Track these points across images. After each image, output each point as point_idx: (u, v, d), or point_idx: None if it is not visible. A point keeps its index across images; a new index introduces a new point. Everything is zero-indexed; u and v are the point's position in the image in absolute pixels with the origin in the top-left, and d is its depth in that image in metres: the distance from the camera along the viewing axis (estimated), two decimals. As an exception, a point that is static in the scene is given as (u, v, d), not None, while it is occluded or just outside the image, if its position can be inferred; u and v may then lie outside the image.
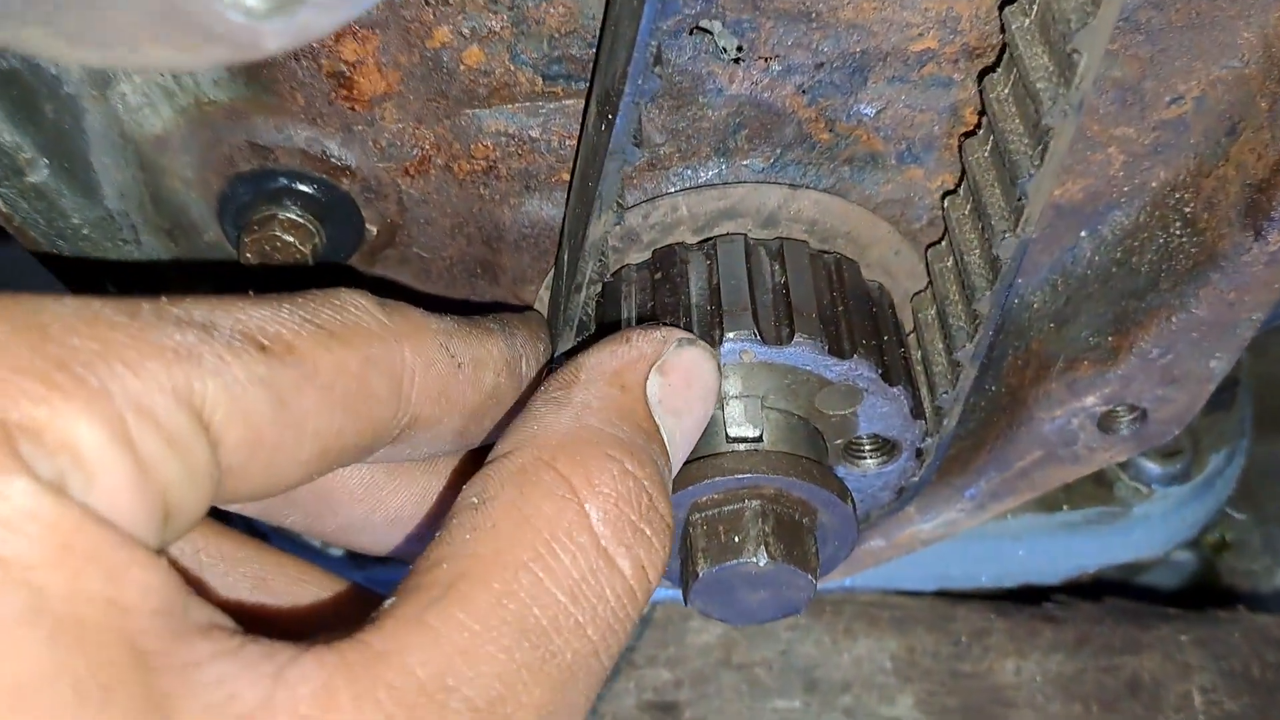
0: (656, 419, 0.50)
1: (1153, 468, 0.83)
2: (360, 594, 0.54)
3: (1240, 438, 0.90)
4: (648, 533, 0.46)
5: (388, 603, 0.41)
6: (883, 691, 0.85)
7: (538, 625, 0.42)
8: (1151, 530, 0.84)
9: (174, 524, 0.38)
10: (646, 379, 0.51)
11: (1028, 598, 0.87)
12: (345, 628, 0.40)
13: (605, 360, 0.51)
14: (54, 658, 0.32)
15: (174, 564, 0.37)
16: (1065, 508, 0.82)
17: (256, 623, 0.39)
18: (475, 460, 0.57)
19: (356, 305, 0.47)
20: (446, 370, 0.50)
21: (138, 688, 0.34)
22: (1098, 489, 0.83)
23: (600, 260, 0.55)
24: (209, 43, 0.30)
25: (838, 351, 0.58)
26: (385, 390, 0.46)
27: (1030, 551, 0.82)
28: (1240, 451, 0.91)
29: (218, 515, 0.52)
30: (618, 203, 0.51)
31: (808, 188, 0.62)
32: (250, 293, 0.44)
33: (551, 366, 0.60)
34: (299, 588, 0.52)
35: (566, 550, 0.44)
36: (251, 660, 0.36)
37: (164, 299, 0.40)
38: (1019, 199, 0.50)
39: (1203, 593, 1.17)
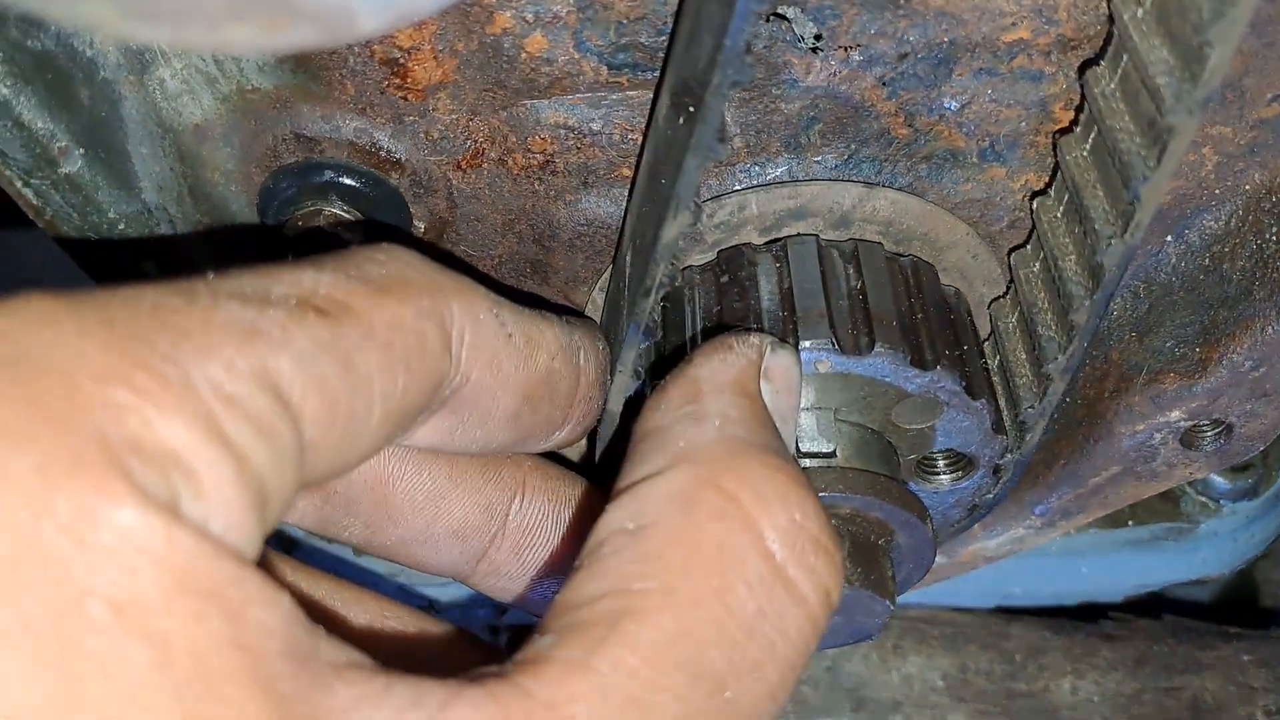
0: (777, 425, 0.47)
1: (1221, 482, 0.79)
2: (447, 632, 0.51)
3: (1311, 451, 0.87)
4: (829, 545, 0.42)
5: (544, 640, 0.38)
6: (934, 711, 0.82)
7: (713, 669, 0.38)
8: (1219, 547, 0.80)
9: (269, 514, 0.36)
10: (760, 386, 0.48)
11: (1084, 615, 0.84)
12: (468, 666, 0.36)
13: (720, 370, 0.48)
14: (184, 716, 0.29)
15: (298, 595, 0.33)
16: (1130, 523, 0.78)
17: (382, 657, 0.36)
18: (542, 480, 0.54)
19: (402, 260, 0.44)
20: (496, 335, 0.47)
21: None
22: (1164, 504, 0.80)
23: (672, 264, 0.52)
24: (297, 21, 0.26)
25: (920, 362, 0.54)
26: (439, 344, 0.43)
27: (1094, 568, 0.78)
28: (1311, 465, 0.87)
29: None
30: (695, 202, 0.47)
31: (883, 186, 0.58)
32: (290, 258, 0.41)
33: (613, 368, 0.56)
34: (381, 625, 0.49)
35: (744, 581, 0.40)
36: (400, 705, 0.33)
37: (212, 275, 0.37)
38: (1130, 202, 0.47)
39: (1240, 604, 1.13)
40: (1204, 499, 0.79)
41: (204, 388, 0.33)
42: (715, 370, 0.48)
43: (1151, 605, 0.88)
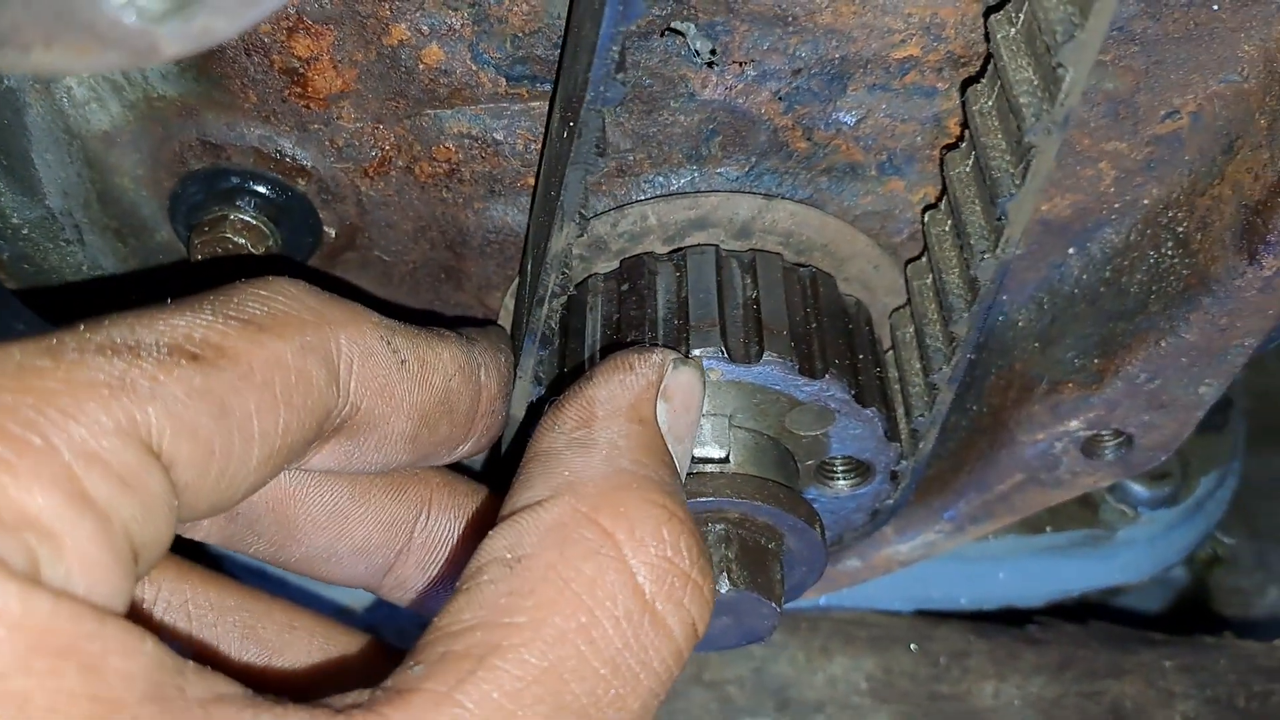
0: (666, 444, 0.48)
1: (1140, 490, 0.80)
2: (356, 642, 0.52)
3: (1232, 460, 0.88)
4: (699, 582, 0.43)
5: (415, 670, 0.39)
6: (857, 712, 0.83)
7: (576, 703, 0.39)
8: (1137, 555, 0.81)
9: (143, 561, 0.37)
10: (656, 410, 0.49)
11: (1010, 619, 0.85)
12: (355, 686, 0.37)
13: (618, 393, 0.49)
14: None
15: (163, 628, 0.34)
16: (1049, 530, 0.79)
17: (254, 682, 0.37)
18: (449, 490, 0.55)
19: (285, 294, 0.45)
20: (388, 363, 0.48)
21: None
22: (1083, 511, 0.81)
23: (564, 272, 0.53)
24: (103, 47, 0.27)
25: (809, 371, 0.55)
26: (323, 378, 0.44)
27: (1011, 574, 0.79)
28: (1232, 474, 0.88)
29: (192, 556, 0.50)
30: (580, 214, 0.49)
31: (783, 198, 0.59)
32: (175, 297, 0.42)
33: (517, 375, 0.57)
34: (290, 635, 0.51)
35: (610, 618, 0.41)
36: None
37: (81, 326, 0.38)
38: (999, 218, 0.48)
39: (1192, 609, 1.14)
40: (1122, 506, 0.80)
41: (65, 450, 0.34)
42: (612, 393, 0.49)
43: (1082, 610, 0.89)
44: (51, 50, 0.28)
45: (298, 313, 0.44)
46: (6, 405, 0.34)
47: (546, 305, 0.54)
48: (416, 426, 0.50)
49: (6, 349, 0.36)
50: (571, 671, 0.40)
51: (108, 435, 0.35)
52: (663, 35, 0.53)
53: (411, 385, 0.49)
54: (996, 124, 0.48)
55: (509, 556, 0.42)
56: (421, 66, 0.54)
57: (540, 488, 0.45)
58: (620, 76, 0.45)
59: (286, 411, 0.42)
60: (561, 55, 0.52)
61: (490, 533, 0.44)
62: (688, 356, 0.54)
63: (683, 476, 0.50)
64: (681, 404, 0.50)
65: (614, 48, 0.44)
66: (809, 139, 0.58)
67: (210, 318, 0.41)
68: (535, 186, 0.58)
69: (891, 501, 0.64)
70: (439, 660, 0.39)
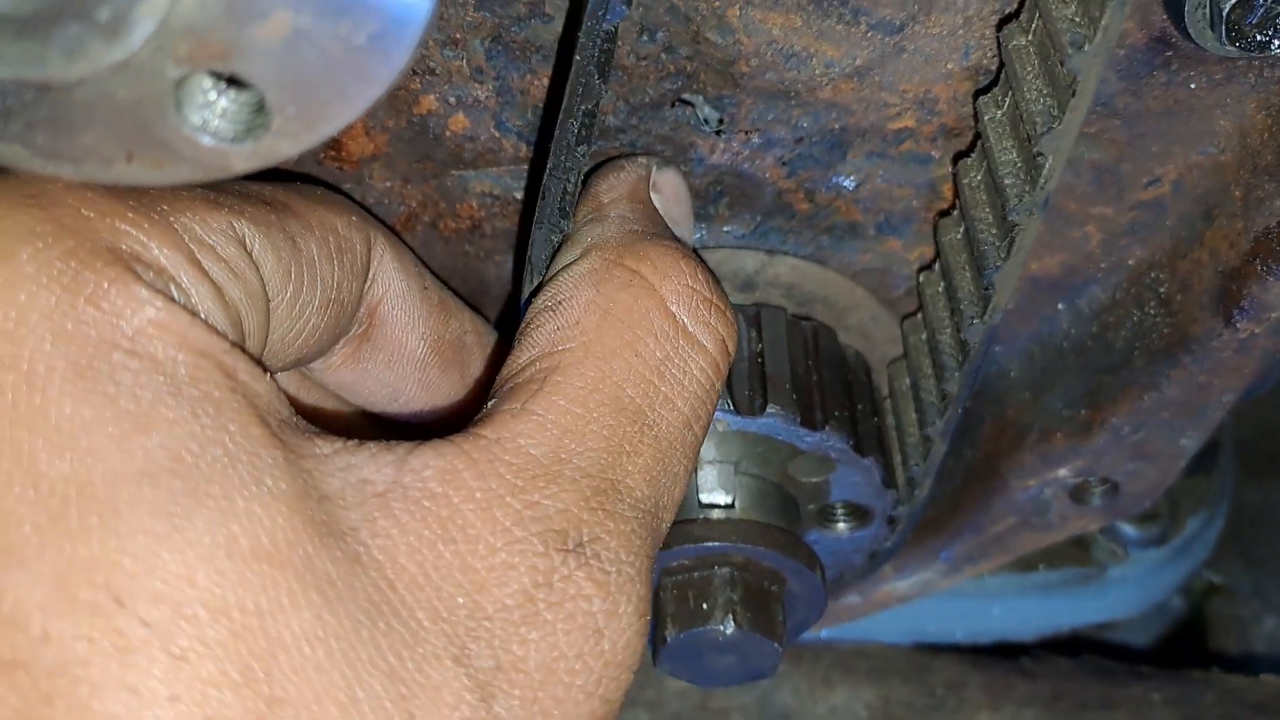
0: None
1: (1129, 530, 0.83)
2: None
3: (1220, 501, 0.91)
4: (721, 306, 0.49)
5: (489, 404, 0.45)
6: (857, 741, 0.86)
7: (633, 403, 0.45)
8: (1127, 592, 0.84)
9: (250, 341, 0.42)
10: (650, 196, 0.55)
11: (1005, 652, 0.88)
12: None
13: (616, 183, 0.55)
14: (201, 427, 0.35)
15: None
16: (1042, 567, 0.83)
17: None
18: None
19: (335, 196, 0.52)
20: (413, 282, 0.54)
21: (282, 459, 0.37)
22: (1074, 550, 0.84)
23: None
24: (179, 163, 0.31)
25: (810, 422, 0.59)
26: (363, 255, 0.50)
27: (1005, 610, 0.82)
28: (1220, 515, 0.91)
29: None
30: (548, 267, 0.53)
31: (785, 254, 0.63)
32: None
33: None
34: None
35: (650, 335, 0.47)
36: (373, 452, 0.39)
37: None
38: (986, 288, 0.51)
39: (1189, 638, 1.17)
40: (1113, 546, 0.83)
41: (184, 233, 0.40)
42: (611, 184, 0.55)
43: (1074, 645, 0.92)
44: (131, 165, 0.31)
45: (347, 208, 0.51)
46: (128, 194, 0.39)
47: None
48: (428, 354, 0.55)
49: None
50: (624, 378, 0.45)
51: (212, 232, 0.41)
52: (673, 106, 0.57)
53: (430, 311, 0.55)
54: (984, 198, 0.52)
55: (550, 304, 0.49)
56: (448, 133, 0.58)
57: (569, 254, 0.52)
58: (581, 150, 0.49)
59: (338, 267, 0.48)
60: (543, 127, 0.56)
61: (536, 296, 0.50)
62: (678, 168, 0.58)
63: None
64: (671, 195, 0.56)
65: (575, 123, 0.47)
66: (811, 200, 0.61)
67: (282, 188, 0.48)
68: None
69: (889, 544, 0.67)
70: (508, 391, 0.46)
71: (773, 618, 0.59)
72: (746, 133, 0.58)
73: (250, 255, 0.43)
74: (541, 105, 0.56)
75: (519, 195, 0.61)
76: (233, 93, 0.30)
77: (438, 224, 0.63)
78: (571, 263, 0.50)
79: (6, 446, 0.34)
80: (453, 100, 0.56)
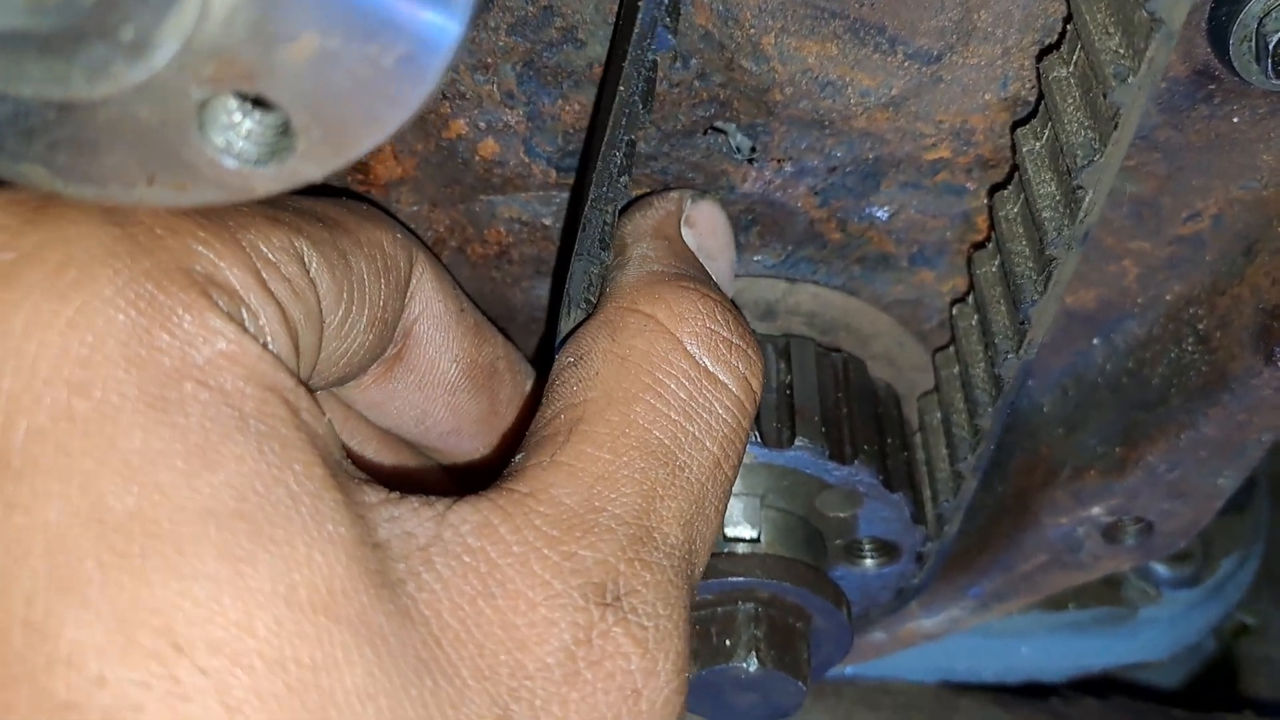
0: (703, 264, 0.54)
1: (1162, 570, 0.82)
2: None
3: (1255, 542, 0.89)
4: (741, 344, 0.49)
5: (517, 458, 0.45)
6: (880, 780, 0.84)
7: (661, 445, 0.45)
8: (1158, 634, 0.83)
9: (303, 363, 0.42)
10: (680, 231, 0.54)
11: (1034, 692, 0.86)
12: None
13: (642, 222, 0.55)
14: (267, 466, 0.35)
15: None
16: (1072, 606, 0.81)
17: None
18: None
19: (379, 213, 0.52)
20: (450, 303, 0.54)
21: (343, 503, 0.37)
22: (1105, 589, 0.82)
23: None
24: (202, 185, 0.30)
25: (839, 456, 0.57)
26: (405, 266, 0.51)
27: (1034, 649, 0.81)
28: (1255, 555, 0.89)
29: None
30: (587, 299, 0.52)
31: (806, 281, 0.62)
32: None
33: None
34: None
35: (670, 376, 0.47)
36: (414, 506, 0.39)
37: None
38: (1022, 322, 0.50)
39: (1220, 679, 1.14)
40: (1144, 586, 0.82)
41: (252, 251, 0.40)
42: (637, 223, 0.55)
43: (1104, 685, 0.90)
44: (153, 187, 0.31)
45: (392, 225, 0.51)
46: (200, 214, 0.39)
47: None
48: (459, 378, 0.55)
49: None
50: (650, 422, 0.45)
51: (276, 250, 0.41)
52: (706, 134, 0.56)
53: (464, 334, 0.55)
54: (1021, 231, 0.51)
55: (571, 360, 0.49)
56: (477, 158, 0.57)
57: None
58: (624, 180, 0.48)
59: (385, 286, 0.49)
60: (584, 151, 0.55)
61: (558, 355, 0.50)
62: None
63: (727, 292, 0.55)
64: (706, 227, 0.56)
65: (618, 154, 0.47)
66: (843, 230, 0.60)
67: (329, 203, 0.48)
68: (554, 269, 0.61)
69: (917, 581, 0.66)
70: (535, 444, 0.45)
71: (797, 656, 0.58)
72: (779, 161, 0.57)
73: (309, 274, 0.43)
74: (572, 131, 0.56)
75: (547, 221, 0.60)
76: (257, 114, 0.30)
77: (465, 249, 0.62)
78: (591, 315, 0.50)
79: (75, 477, 0.33)
80: (483, 125, 0.56)
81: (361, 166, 0.58)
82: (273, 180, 0.30)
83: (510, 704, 0.37)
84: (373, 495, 0.39)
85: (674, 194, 0.56)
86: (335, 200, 0.49)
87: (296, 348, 0.41)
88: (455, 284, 0.54)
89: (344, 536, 0.36)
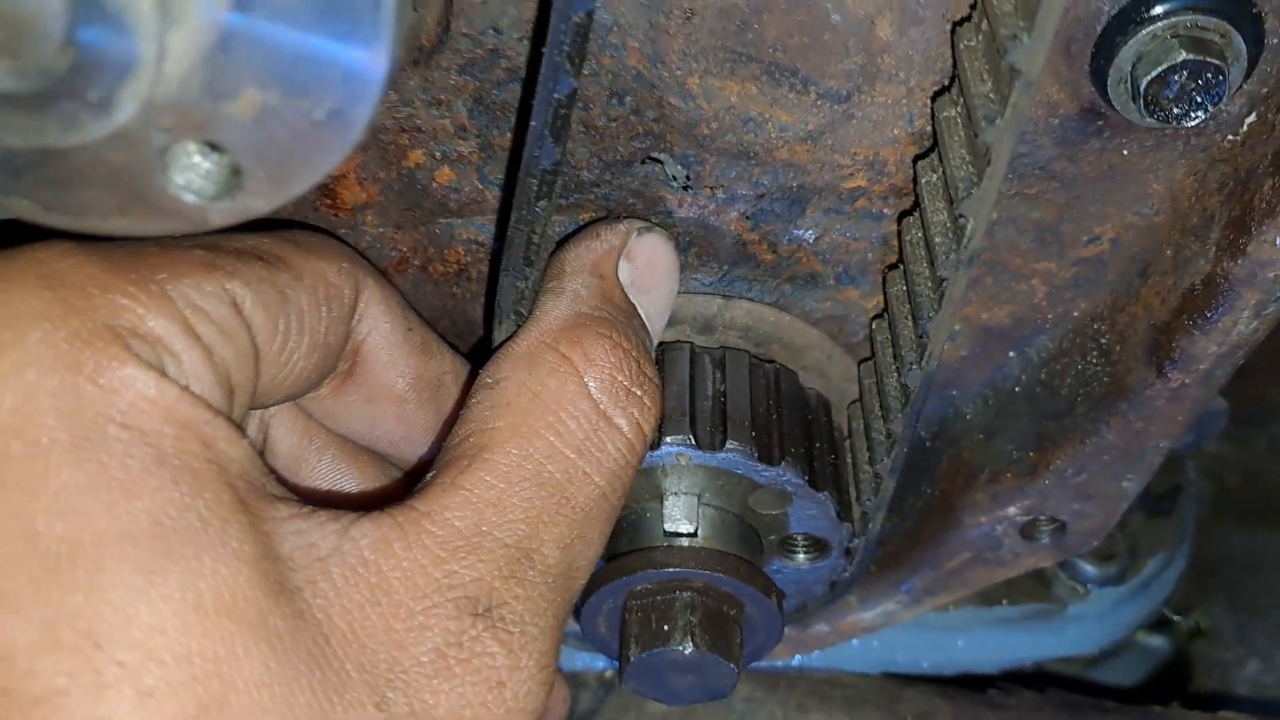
0: (632, 299, 0.59)
1: (1089, 569, 0.87)
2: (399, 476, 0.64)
3: (1180, 544, 0.94)
4: (638, 393, 0.55)
5: (428, 476, 0.51)
6: (828, 767, 0.89)
7: (552, 478, 0.51)
8: (1086, 628, 0.87)
9: (237, 400, 0.48)
10: (618, 266, 0.59)
11: (973, 684, 0.91)
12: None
13: (583, 253, 0.60)
14: (180, 494, 0.41)
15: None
16: (1005, 602, 0.86)
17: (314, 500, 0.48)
18: None
19: (331, 240, 0.57)
20: (398, 322, 0.59)
21: (247, 524, 0.42)
22: (1037, 586, 0.87)
23: None
24: (165, 218, 0.36)
25: (767, 458, 0.63)
26: (350, 294, 0.56)
27: (969, 643, 0.86)
28: (1180, 556, 0.94)
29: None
30: (517, 310, 0.57)
31: (741, 298, 0.67)
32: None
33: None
34: (347, 466, 0.63)
35: (571, 416, 0.52)
36: (322, 521, 0.45)
37: (181, 240, 0.48)
38: (921, 336, 0.55)
39: (1174, 680, 1.19)
40: (1073, 583, 0.87)
41: (178, 299, 0.45)
42: (579, 254, 0.60)
43: (1040, 679, 0.95)
44: (124, 218, 0.36)
45: (339, 251, 0.56)
46: (134, 266, 0.44)
47: None
48: (407, 390, 0.61)
49: (127, 242, 0.46)
50: (546, 456, 0.51)
51: (206, 296, 0.46)
52: (643, 163, 0.61)
53: (412, 351, 0.60)
54: (922, 254, 0.56)
55: (490, 382, 0.54)
56: (435, 184, 0.62)
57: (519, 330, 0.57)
58: (541, 205, 0.53)
59: (326, 314, 0.54)
60: (505, 181, 0.61)
61: (481, 369, 0.56)
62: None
63: (659, 322, 0.61)
64: (644, 261, 0.60)
65: (532, 180, 0.52)
66: (774, 251, 0.65)
67: (272, 239, 0.53)
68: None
69: (848, 575, 0.71)
70: (444, 464, 0.51)
71: (730, 640, 0.63)
72: (711, 188, 0.62)
73: (241, 314, 0.48)
74: (521, 160, 0.61)
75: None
76: (213, 156, 0.35)
77: (427, 268, 0.67)
78: (514, 340, 0.56)
79: (10, 507, 0.39)
80: (439, 155, 0.61)
81: (329, 192, 0.63)
82: (226, 213, 0.35)
83: (386, 692, 0.43)
84: (284, 511, 0.45)
85: (621, 226, 0.61)
86: (283, 234, 0.54)
87: (228, 384, 0.47)
88: (405, 305, 0.60)
89: (246, 552, 0.42)
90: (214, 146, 0.34)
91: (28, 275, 0.42)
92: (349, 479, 0.63)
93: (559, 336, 0.55)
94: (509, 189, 0.60)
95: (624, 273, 0.59)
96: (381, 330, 0.59)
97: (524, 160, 0.51)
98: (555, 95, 0.46)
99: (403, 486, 0.63)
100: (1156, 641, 1.20)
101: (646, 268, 0.60)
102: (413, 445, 0.62)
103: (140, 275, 0.44)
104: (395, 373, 0.60)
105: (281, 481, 0.47)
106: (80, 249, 0.44)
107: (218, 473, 0.43)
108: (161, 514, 0.40)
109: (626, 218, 0.63)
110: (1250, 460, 1.43)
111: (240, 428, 0.46)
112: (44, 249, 0.43)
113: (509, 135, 0.60)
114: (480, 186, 0.63)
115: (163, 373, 0.43)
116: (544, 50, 0.46)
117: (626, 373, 0.55)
